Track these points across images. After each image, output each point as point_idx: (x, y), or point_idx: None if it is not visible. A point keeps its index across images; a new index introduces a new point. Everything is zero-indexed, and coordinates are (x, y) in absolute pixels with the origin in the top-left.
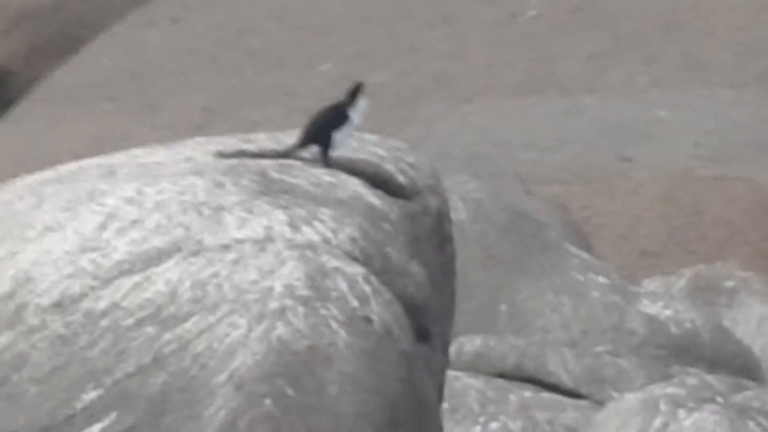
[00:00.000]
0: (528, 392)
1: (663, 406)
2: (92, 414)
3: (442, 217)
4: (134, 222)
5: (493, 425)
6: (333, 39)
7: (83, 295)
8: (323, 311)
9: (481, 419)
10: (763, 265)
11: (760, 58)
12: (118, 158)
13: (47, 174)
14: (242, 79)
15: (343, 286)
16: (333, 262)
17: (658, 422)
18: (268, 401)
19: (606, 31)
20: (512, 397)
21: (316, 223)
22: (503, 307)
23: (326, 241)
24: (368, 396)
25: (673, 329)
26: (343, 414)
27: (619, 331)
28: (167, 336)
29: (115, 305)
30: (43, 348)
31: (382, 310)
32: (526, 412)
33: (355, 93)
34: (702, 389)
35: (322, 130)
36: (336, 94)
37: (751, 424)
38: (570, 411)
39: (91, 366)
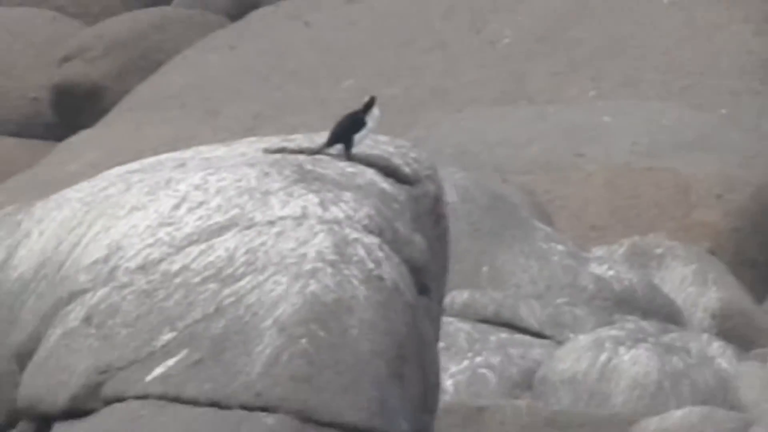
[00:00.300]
0: (504, 334)
1: (608, 345)
2: (168, 351)
3: (438, 199)
4: (201, 203)
5: (478, 359)
6: (354, 61)
7: (161, 260)
8: (346, 271)
9: (469, 354)
10: (685, 237)
11: (681, 77)
12: (187, 153)
13: (133, 166)
14: (284, 93)
15: (362, 252)
16: (354, 234)
17: (604, 357)
18: (304, 341)
19: (563, 55)
20: (492, 338)
21: (341, 204)
22: (485, 268)
23: (349, 217)
24: (381, 337)
25: (615, 286)
26: (362, 351)
27: (574, 287)
28: (226, 291)
29: (186, 267)
30: (130, 300)
31: (391, 270)
32: (503, 349)
33: (369, 104)
34: (637, 332)
35: (345, 132)
36: (356, 105)
37: (674, 358)
38: (537, 348)
39: (168, 314)
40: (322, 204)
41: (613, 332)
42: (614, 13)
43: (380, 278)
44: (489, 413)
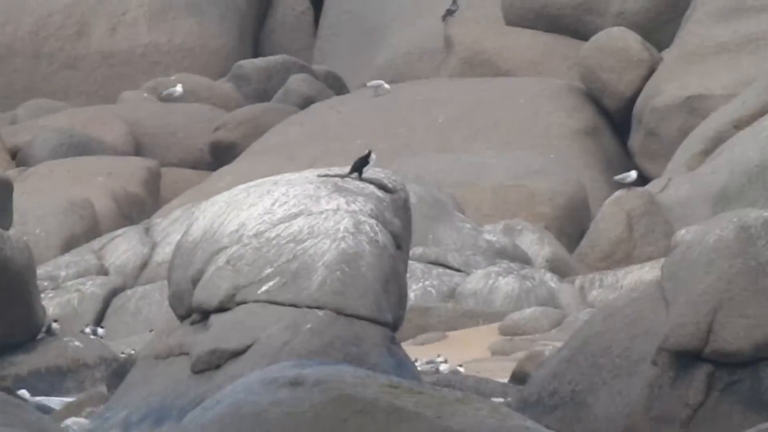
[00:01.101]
0: (440, 269)
1: (492, 275)
2: (269, 278)
3: (406, 200)
4: (285, 202)
5: (426, 282)
6: (362, 130)
7: (265, 231)
8: (359, 237)
9: (422, 280)
10: (532, 220)
11: (530, 139)
12: (278, 177)
13: (251, 183)
14: (327, 147)
15: (368, 228)
16: (363, 218)
17: (491, 281)
18: (338, 273)
19: (470, 127)
20: (434, 271)
21: (357, 203)
22: (430, 236)
23: (361, 210)
24: (377, 271)
25: (496, 245)
26: (368, 278)
27: (475, 246)
28: (299, 247)
29: (278, 235)
30: (249, 252)
31: (383, 237)
32: (440, 277)
33: (369, 153)
34: (508, 269)
35: (358, 166)
36: (363, 152)
37: (527, 282)
38: (457, 277)
39: (269, 259)
40: (347, 203)
41: (495, 269)
42: (496, 106)
43: (377, 241)
44: (432, 310)
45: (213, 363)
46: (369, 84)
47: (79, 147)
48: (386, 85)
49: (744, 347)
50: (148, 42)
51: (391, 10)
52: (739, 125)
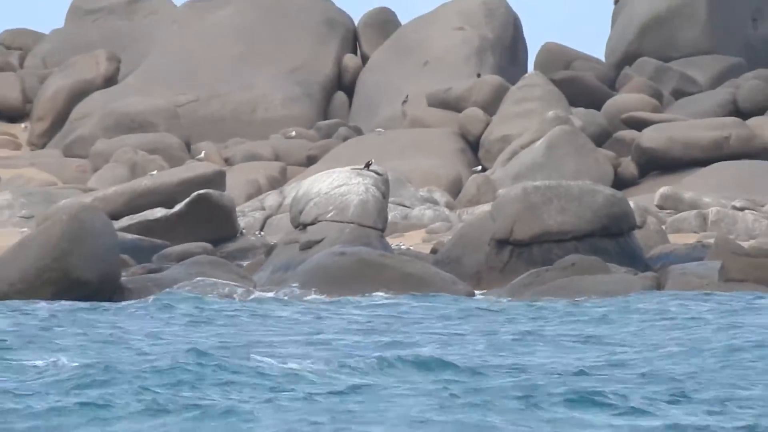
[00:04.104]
0: (400, 207)
1: (423, 210)
2: (330, 211)
3: (387, 179)
4: (335, 179)
5: (395, 212)
6: (369, 152)
7: (329, 191)
8: (368, 194)
9: (392, 211)
10: (439, 187)
11: (436, 155)
12: (334, 170)
13: (323, 172)
14: (355, 158)
15: (372, 190)
16: (371, 187)
17: (422, 212)
18: (359, 208)
19: (413, 150)
20: (398, 207)
21: (367, 180)
22: (399, 193)
23: (369, 183)
24: (377, 210)
25: (425, 197)
26: (371, 211)
27: (415, 197)
28: (343, 198)
29: (335, 193)
30: (321, 200)
31: (379, 194)
32: (400, 210)
33: (371, 161)
34: (430, 207)
35: (367, 165)
36: (368, 160)
37: (437, 212)
38: (408, 210)
39: (330, 203)
40: (363, 180)
41: (424, 207)
42: (425, 142)
43: (376, 196)
44: (398, 224)
45: (308, 246)
46: (376, 130)
47: (250, 158)
48: (382, 130)
49: (525, 238)
50: (281, 115)
51: (381, 100)
52: (523, 147)
